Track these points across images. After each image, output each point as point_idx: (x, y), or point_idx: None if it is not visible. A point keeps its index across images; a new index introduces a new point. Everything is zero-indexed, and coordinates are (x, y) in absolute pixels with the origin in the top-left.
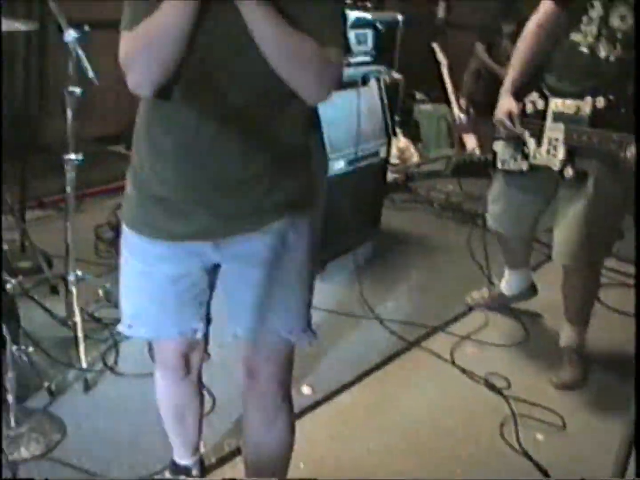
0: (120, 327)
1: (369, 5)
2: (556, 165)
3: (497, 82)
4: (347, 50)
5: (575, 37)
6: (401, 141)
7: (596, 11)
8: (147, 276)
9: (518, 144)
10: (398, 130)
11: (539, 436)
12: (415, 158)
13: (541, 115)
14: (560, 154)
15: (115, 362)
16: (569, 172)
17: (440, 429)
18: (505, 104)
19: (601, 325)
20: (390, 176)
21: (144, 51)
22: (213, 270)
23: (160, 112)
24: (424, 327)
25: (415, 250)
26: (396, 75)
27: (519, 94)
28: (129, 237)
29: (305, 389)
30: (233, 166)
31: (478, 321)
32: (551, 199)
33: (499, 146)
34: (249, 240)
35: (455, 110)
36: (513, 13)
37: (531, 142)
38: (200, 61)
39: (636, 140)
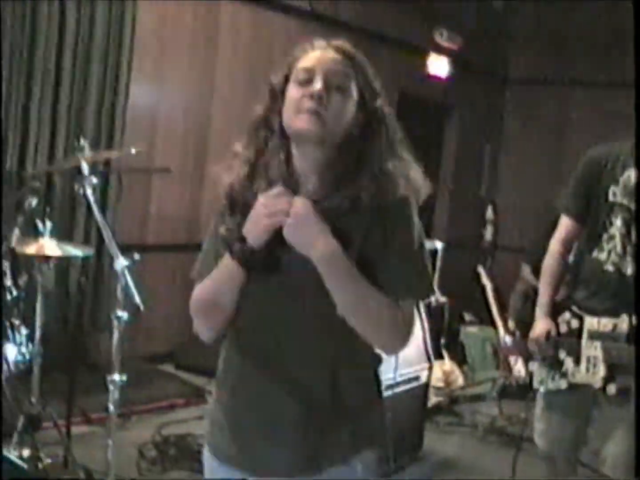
0: None
1: None
2: (597, 383)
3: None
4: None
5: (599, 255)
6: (446, 364)
7: (616, 228)
8: None
9: (554, 364)
10: (444, 352)
11: None
12: (460, 381)
13: (576, 333)
14: (601, 371)
15: None
16: (611, 389)
17: None
18: (541, 324)
19: None
20: (435, 399)
21: (201, 307)
22: None
23: (241, 352)
24: None
25: (459, 476)
26: (441, 299)
27: (552, 314)
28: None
29: None
30: (316, 408)
31: None
32: (591, 416)
33: (535, 366)
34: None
35: (501, 332)
36: None
37: (569, 361)
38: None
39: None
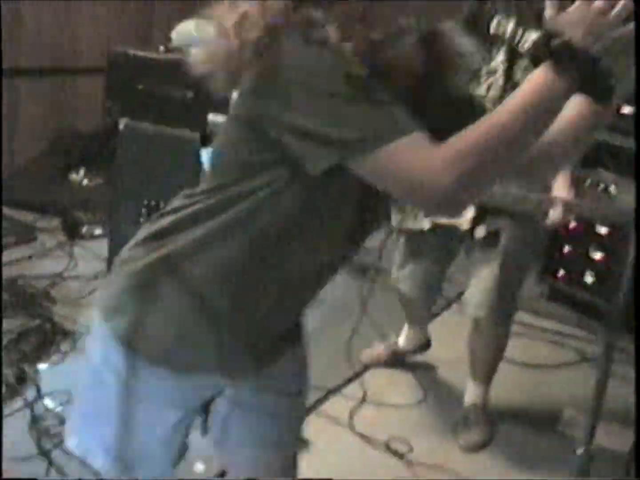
0: (109, 472)
1: None
2: (464, 225)
3: None
4: None
5: (477, 90)
6: None
7: (496, 64)
8: (163, 420)
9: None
10: None
11: None
12: None
13: None
14: (469, 212)
15: None
16: (480, 232)
17: None
18: None
19: (501, 379)
20: None
21: (505, 142)
22: None
23: (274, 254)
24: (319, 390)
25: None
26: None
27: None
28: (153, 376)
29: (199, 466)
30: (298, 311)
31: (375, 381)
32: (455, 257)
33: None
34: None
35: None
36: None
37: None
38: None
39: (635, 156)
